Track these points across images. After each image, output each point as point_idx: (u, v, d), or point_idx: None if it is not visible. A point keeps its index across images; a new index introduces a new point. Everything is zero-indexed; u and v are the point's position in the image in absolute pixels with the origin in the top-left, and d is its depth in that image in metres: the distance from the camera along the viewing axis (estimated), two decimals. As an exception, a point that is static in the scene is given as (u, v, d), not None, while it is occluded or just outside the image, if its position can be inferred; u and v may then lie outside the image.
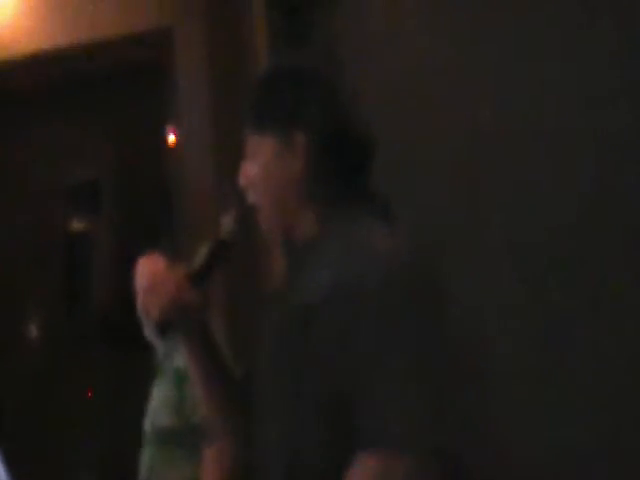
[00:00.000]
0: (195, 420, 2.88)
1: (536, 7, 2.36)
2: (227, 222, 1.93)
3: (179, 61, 3.84)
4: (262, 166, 1.87)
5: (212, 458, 2.85)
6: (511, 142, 2.44)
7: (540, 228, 2.34)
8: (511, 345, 2.44)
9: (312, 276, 1.79)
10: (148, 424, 2.99)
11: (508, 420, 2.44)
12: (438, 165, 2.76)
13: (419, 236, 2.75)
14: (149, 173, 4.17)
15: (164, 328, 1.90)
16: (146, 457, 2.97)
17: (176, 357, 2.96)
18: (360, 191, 1.87)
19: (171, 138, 4.04)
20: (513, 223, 2.44)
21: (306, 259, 1.85)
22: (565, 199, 2.27)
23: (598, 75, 2.17)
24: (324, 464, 1.70)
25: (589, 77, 2.19)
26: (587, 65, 2.20)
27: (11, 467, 3.53)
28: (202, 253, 1.91)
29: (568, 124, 2.25)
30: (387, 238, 1.77)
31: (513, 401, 2.41)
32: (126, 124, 4.20)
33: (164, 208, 3.95)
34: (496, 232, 2.50)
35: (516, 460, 2.40)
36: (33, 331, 4.26)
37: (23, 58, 4.10)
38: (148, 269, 3.14)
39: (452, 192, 2.67)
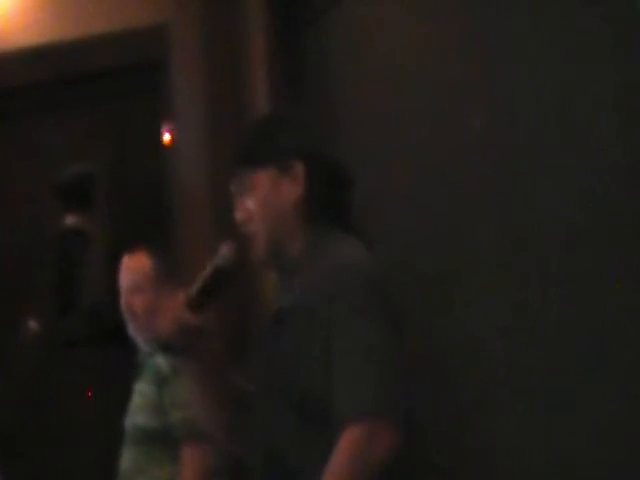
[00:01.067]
0: (173, 419, 2.87)
1: (533, 10, 2.35)
2: (224, 251, 2.05)
3: (174, 58, 3.83)
4: (261, 196, 2.10)
5: (194, 457, 2.84)
6: (507, 148, 2.43)
7: (536, 230, 2.32)
8: (506, 348, 2.43)
9: (294, 287, 2.06)
10: (129, 423, 2.97)
11: (502, 425, 2.42)
12: (434, 167, 2.75)
13: (412, 240, 2.76)
14: (144, 170, 4.15)
15: (167, 348, 2.09)
16: (128, 456, 2.94)
17: (158, 357, 2.94)
18: (344, 215, 2.13)
19: (166, 137, 4.03)
20: (508, 226, 2.43)
21: (294, 274, 2.08)
22: (558, 204, 2.26)
23: (594, 75, 2.15)
24: (298, 452, 1.95)
25: (585, 76, 2.17)
26: (584, 65, 2.18)
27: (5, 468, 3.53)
28: (200, 279, 2.03)
29: (565, 127, 2.24)
30: (361, 253, 2.04)
31: (508, 406, 2.40)
32: (121, 121, 4.19)
33: (157, 206, 3.94)
34: (491, 234, 2.49)
35: (511, 465, 2.39)
36: (26, 328, 4.25)
37: (16, 53, 4.10)
38: (132, 267, 3.11)
39: (446, 195, 2.67)
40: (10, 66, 4.11)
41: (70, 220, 4.17)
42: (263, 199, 2.09)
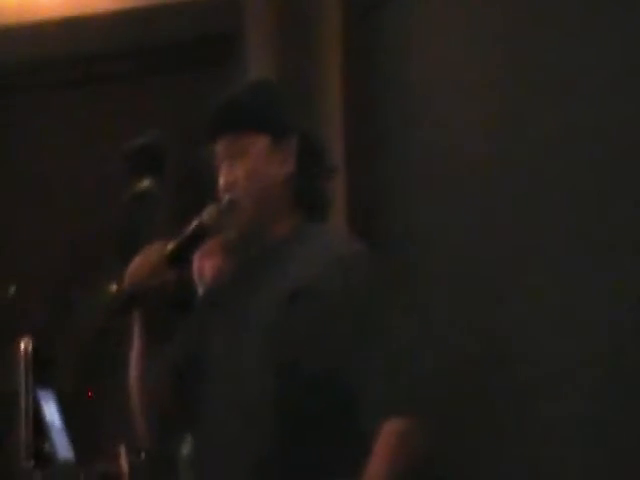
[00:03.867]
0: None
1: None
2: (211, 210, 2.02)
3: (247, 30, 3.87)
4: (252, 164, 1.97)
5: None
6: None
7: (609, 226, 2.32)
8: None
9: (294, 267, 1.94)
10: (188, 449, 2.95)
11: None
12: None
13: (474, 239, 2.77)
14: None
15: (130, 300, 2.00)
16: None
17: None
18: (325, 197, 2.06)
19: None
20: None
21: (283, 254, 1.98)
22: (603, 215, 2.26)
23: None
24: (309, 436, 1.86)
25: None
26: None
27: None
28: (182, 235, 2.02)
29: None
30: (352, 239, 2.01)
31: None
32: (193, 91, 4.23)
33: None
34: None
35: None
36: (88, 294, 4.32)
37: (93, 20, 4.16)
38: None
39: (508, 192, 2.68)
40: (85, 36, 4.18)
41: (140, 185, 4.22)
42: (253, 167, 1.97)
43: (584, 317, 2.36)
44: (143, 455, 3.21)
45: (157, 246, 2.02)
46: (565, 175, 2.46)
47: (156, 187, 4.19)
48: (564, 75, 2.46)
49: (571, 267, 2.44)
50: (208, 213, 2.00)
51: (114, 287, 4.24)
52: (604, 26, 2.30)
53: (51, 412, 3.69)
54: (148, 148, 4.17)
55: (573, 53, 2.41)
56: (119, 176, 4.18)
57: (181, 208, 4.07)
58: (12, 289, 4.38)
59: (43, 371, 3.81)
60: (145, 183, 4.20)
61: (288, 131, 1.99)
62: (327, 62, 3.60)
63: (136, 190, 4.22)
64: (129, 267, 2.00)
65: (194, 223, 2.00)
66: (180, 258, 2.02)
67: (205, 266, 3.05)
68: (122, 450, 3.18)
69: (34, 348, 3.73)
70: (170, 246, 2.01)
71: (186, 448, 2.94)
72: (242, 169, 1.97)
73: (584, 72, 2.35)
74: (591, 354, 2.32)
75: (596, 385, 2.29)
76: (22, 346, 3.71)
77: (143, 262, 1.99)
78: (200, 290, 3.08)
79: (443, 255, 2.98)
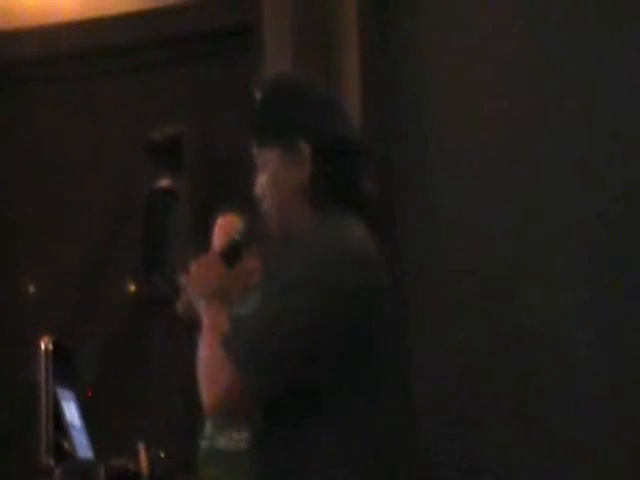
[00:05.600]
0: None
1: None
2: (240, 226, 2.18)
3: (265, 20, 3.86)
4: (270, 176, 2.07)
5: None
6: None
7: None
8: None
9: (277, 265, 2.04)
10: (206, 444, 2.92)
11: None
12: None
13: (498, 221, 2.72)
14: (234, 132, 4.16)
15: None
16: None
17: None
18: (353, 191, 2.06)
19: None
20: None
21: (282, 252, 2.08)
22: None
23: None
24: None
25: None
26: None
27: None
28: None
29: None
30: (350, 236, 1.98)
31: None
32: (212, 83, 4.23)
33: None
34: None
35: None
36: (119, 286, 4.31)
37: (113, 16, 4.20)
38: (224, 230, 3.11)
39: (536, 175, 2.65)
40: (106, 28, 4.19)
41: (160, 180, 4.20)
42: (272, 178, 2.07)
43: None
44: (162, 452, 3.18)
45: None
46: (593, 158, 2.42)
47: (176, 183, 4.17)
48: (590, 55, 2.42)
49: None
50: (239, 231, 2.14)
51: (132, 285, 4.24)
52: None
53: (71, 411, 3.68)
54: (169, 141, 4.16)
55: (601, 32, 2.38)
56: (140, 170, 4.18)
57: (202, 204, 4.09)
58: (31, 287, 4.37)
59: (63, 370, 3.80)
60: (166, 179, 4.18)
61: (297, 137, 2.04)
62: (345, 52, 3.59)
63: (156, 187, 4.20)
64: (193, 275, 2.12)
65: (228, 241, 2.13)
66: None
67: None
68: (141, 447, 3.16)
69: (55, 347, 3.71)
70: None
71: (204, 443, 2.93)
72: (264, 181, 2.09)
73: (612, 49, 2.31)
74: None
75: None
76: (42, 345, 3.70)
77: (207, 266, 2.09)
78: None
79: (467, 249, 2.94)
